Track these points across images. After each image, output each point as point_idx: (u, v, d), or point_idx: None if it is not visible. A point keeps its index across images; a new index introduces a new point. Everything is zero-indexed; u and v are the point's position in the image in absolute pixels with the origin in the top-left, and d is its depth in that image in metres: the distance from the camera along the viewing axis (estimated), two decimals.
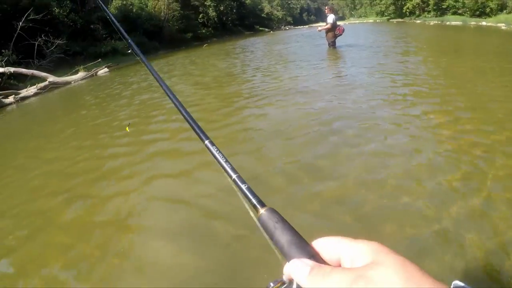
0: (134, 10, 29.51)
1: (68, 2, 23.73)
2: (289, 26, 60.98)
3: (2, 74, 15.84)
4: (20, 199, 3.40)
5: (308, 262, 0.33)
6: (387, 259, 0.29)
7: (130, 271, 2.06)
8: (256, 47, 18.62)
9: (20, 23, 17.65)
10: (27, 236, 2.68)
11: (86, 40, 23.39)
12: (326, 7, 10.45)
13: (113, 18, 1.11)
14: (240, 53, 16.40)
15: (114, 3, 27.92)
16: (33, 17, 18.25)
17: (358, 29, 24.25)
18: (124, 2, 28.79)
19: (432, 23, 28.05)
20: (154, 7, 32.10)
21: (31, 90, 15.56)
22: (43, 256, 2.36)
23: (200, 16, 39.65)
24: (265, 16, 57.76)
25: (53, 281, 2.09)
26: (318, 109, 4.58)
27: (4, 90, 14.79)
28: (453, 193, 2.31)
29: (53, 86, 16.32)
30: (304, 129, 3.84)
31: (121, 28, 1.07)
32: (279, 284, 0.35)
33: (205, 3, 40.08)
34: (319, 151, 3.27)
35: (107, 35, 24.82)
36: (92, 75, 17.72)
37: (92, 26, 24.66)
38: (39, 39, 18.41)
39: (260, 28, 52.11)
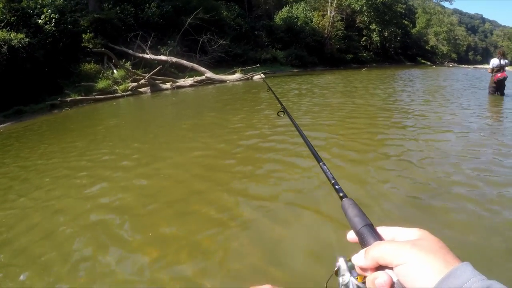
0: (299, 23, 28.53)
1: (236, 7, 24.43)
2: (452, 63, 52.70)
3: (165, 62, 15.76)
4: None
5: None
6: (428, 237, 0.41)
7: None
8: (418, 80, 16.29)
9: (189, 19, 18.06)
10: None
11: (248, 44, 23.00)
12: (498, 50, 9.70)
13: None
14: (404, 83, 14.38)
15: (280, 14, 27.47)
16: (201, 16, 18.57)
17: None
18: (290, 15, 27.94)
19: None
20: (319, 24, 30.70)
21: (188, 81, 15.17)
22: None
23: (363, 39, 37.31)
24: (429, 48, 52.34)
25: None
26: None
27: (164, 77, 14.85)
28: None
29: (209, 81, 15.55)
30: None
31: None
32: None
33: (370, 26, 37.32)
34: None
35: (269, 43, 24.79)
36: (248, 79, 16.79)
37: (256, 32, 24.62)
38: (204, 37, 18.67)
39: (422, 61, 47.66)
